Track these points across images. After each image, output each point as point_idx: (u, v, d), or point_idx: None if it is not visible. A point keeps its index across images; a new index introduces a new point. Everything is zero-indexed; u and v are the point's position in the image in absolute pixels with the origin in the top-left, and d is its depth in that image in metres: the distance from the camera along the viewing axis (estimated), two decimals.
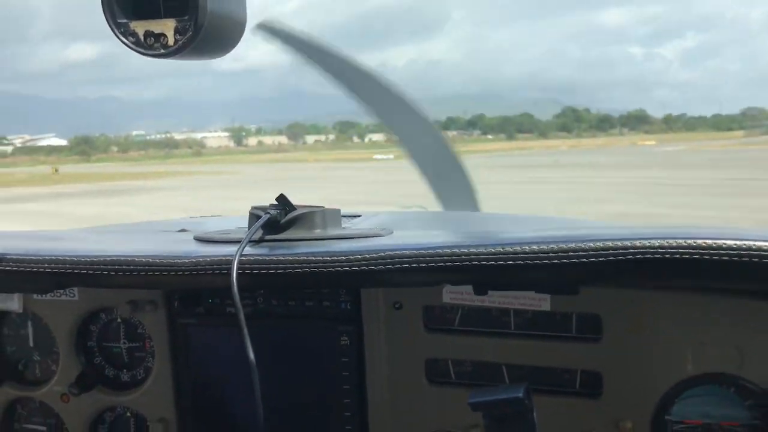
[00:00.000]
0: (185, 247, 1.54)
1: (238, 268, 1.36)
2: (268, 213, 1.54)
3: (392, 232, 1.65)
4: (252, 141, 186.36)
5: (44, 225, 20.98)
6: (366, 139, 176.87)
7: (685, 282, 1.30)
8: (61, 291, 1.85)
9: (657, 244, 1.20)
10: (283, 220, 1.56)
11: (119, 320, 1.89)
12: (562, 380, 1.60)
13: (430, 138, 2.97)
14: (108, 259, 1.49)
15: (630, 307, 1.49)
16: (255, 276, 1.40)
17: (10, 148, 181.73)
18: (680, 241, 1.19)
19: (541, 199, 22.91)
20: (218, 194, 30.52)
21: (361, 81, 2.91)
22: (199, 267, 1.42)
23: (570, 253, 1.24)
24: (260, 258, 1.40)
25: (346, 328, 1.67)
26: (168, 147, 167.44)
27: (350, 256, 1.36)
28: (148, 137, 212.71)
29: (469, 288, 1.54)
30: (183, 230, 1.99)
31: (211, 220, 2.48)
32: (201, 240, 1.66)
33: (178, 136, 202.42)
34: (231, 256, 1.37)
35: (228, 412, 1.79)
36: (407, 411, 1.68)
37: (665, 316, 1.48)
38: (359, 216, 2.01)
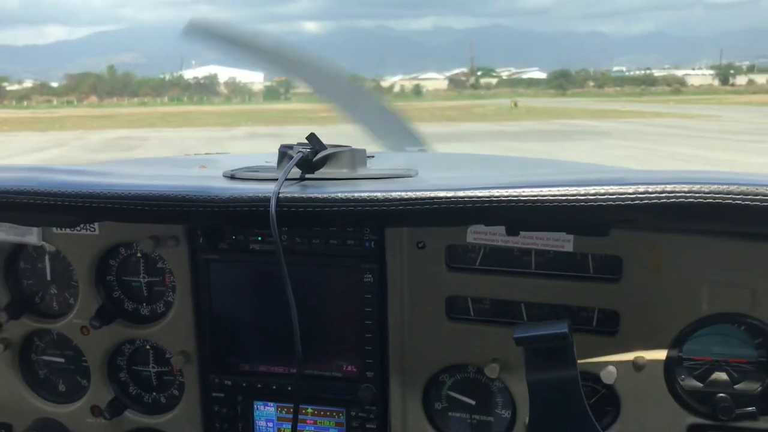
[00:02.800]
0: (217, 184, 1.53)
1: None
2: (300, 152, 1.52)
3: (418, 173, 1.64)
4: (741, 80, 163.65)
5: None
6: None
7: (712, 225, 1.37)
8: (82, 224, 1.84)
9: (687, 188, 1.22)
10: (314, 159, 1.54)
11: (139, 255, 1.90)
12: (580, 318, 1.66)
13: (357, 94, 3.29)
14: (142, 193, 1.45)
15: (650, 249, 1.54)
16: (290, 214, 1.39)
17: (495, 80, 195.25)
18: (712, 186, 1.21)
19: None
20: (677, 151, 23.52)
21: (296, 64, 3.25)
22: (237, 203, 1.40)
23: (607, 196, 1.25)
24: (296, 197, 1.39)
25: (370, 266, 1.70)
26: (645, 84, 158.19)
27: (388, 195, 1.35)
28: (626, 73, 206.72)
29: (495, 228, 1.61)
30: (202, 167, 1.99)
31: (224, 157, 2.51)
32: (231, 177, 1.63)
33: (657, 73, 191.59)
34: (267, 193, 1.38)
35: (250, 346, 1.83)
36: (427, 345, 1.73)
37: (684, 258, 1.53)
38: (372, 156, 1.95)
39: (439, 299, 1.70)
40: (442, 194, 1.31)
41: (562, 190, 1.26)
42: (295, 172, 1.51)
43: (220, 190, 1.41)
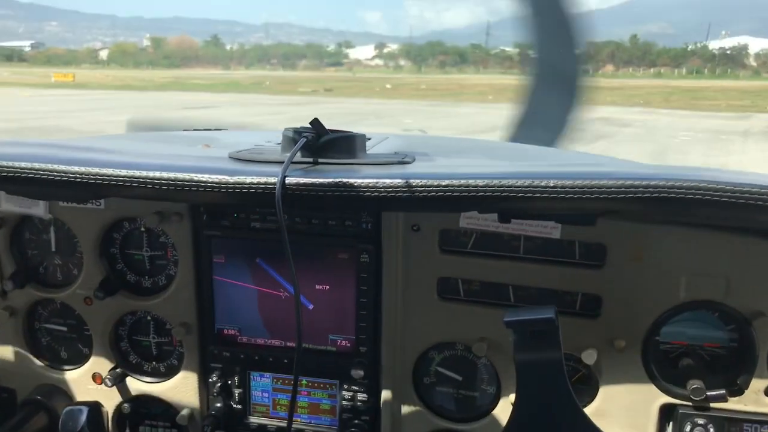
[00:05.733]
0: (223, 165, 1.58)
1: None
2: (305, 137, 1.57)
3: (415, 159, 1.69)
4: None
5: None
6: None
7: (691, 218, 1.46)
8: None
9: (670, 184, 1.27)
10: (317, 144, 1.59)
11: (142, 229, 1.95)
12: (564, 301, 1.73)
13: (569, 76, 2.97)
14: (153, 174, 1.49)
15: (632, 239, 1.63)
16: (293, 197, 1.45)
17: None
18: (692, 183, 1.27)
19: None
20: None
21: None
22: (243, 186, 1.45)
23: (594, 189, 1.31)
24: (300, 182, 1.44)
25: (366, 246, 1.76)
26: None
27: (387, 182, 1.40)
28: None
29: (487, 215, 1.68)
30: (206, 145, 2.03)
31: (224, 134, 2.52)
32: (237, 159, 1.67)
33: None
34: (273, 176, 1.43)
35: (248, 319, 1.88)
36: (418, 323, 1.81)
37: (663, 248, 1.61)
38: (370, 139, 1.96)
39: (431, 280, 1.77)
40: (438, 182, 1.36)
41: (554, 182, 1.31)
42: (299, 156, 1.55)
43: (227, 173, 1.46)
